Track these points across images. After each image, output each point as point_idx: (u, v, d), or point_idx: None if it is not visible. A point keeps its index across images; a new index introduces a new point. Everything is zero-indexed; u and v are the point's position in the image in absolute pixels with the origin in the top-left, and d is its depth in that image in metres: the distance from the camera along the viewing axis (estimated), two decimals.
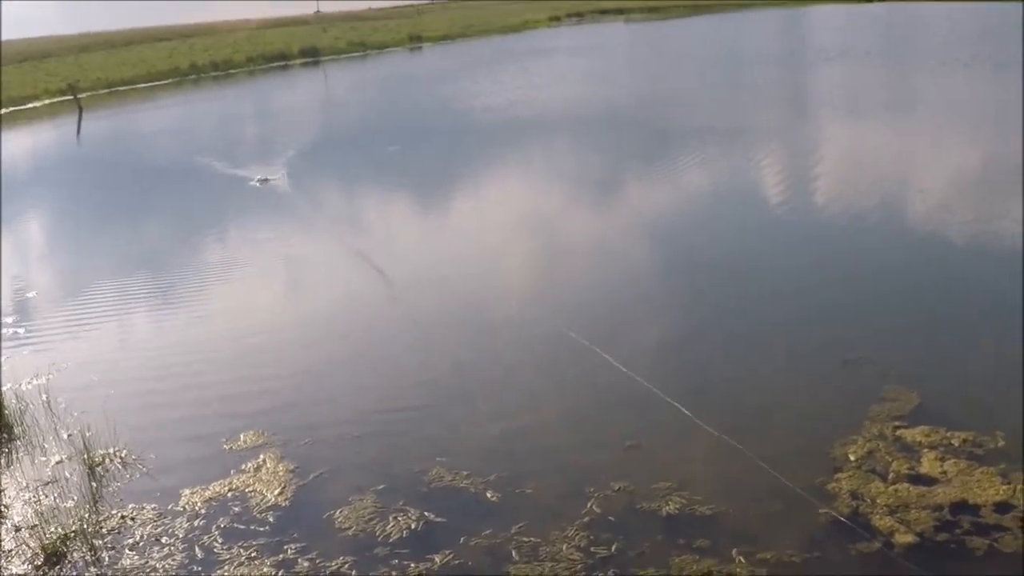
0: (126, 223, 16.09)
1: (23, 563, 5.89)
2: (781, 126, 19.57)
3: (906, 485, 5.76)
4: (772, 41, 43.42)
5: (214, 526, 6.16)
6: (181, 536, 6.07)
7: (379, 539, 5.81)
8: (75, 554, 5.94)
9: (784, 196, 13.46)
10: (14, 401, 8.17)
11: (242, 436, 7.40)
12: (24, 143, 29.88)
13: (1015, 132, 16.01)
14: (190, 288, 11.52)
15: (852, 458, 6.11)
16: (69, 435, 7.64)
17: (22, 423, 7.87)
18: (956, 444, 6.20)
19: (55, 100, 40.48)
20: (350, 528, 5.96)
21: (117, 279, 12.16)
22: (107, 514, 6.42)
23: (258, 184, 17.12)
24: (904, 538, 5.27)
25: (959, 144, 16.14)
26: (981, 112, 19.31)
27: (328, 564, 5.61)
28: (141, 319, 10.66)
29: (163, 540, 6.03)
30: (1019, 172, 13.19)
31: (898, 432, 6.40)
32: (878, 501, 5.61)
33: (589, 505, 5.90)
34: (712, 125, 19.40)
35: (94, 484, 6.85)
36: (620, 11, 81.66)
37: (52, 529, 6.14)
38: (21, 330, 10.60)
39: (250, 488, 6.60)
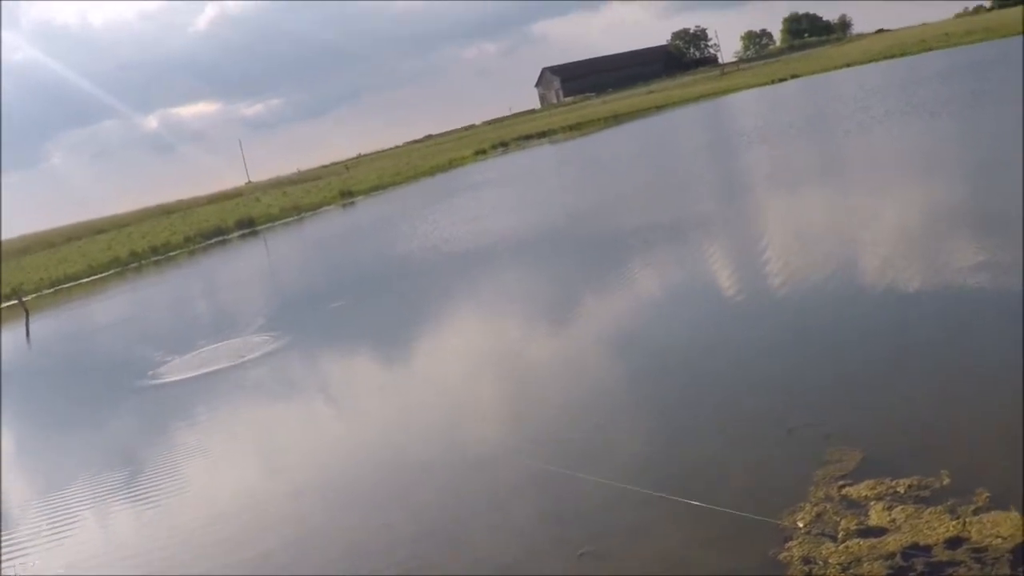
0: (85, 424, 15.86)
1: None
2: (709, 212, 20.00)
3: (856, 540, 5.78)
4: (693, 135, 44.67)
5: None
6: None
7: None
8: None
9: (715, 275, 13.70)
10: None
11: None
12: None
13: (936, 180, 16.58)
14: (154, 481, 11.29)
15: (801, 524, 6.12)
16: None
17: None
18: (902, 491, 6.24)
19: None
20: None
21: (78, 481, 11.90)
22: None
23: (202, 372, 17.00)
24: None
25: (886, 201, 16.55)
26: (901, 164, 19.97)
27: None
28: (107, 516, 10.43)
29: None
30: (942, 222, 13.61)
31: (844, 491, 6.44)
32: (830, 561, 5.61)
33: None
34: (647, 224, 19.79)
35: None
36: (543, 134, 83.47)
37: None
38: None
39: None
